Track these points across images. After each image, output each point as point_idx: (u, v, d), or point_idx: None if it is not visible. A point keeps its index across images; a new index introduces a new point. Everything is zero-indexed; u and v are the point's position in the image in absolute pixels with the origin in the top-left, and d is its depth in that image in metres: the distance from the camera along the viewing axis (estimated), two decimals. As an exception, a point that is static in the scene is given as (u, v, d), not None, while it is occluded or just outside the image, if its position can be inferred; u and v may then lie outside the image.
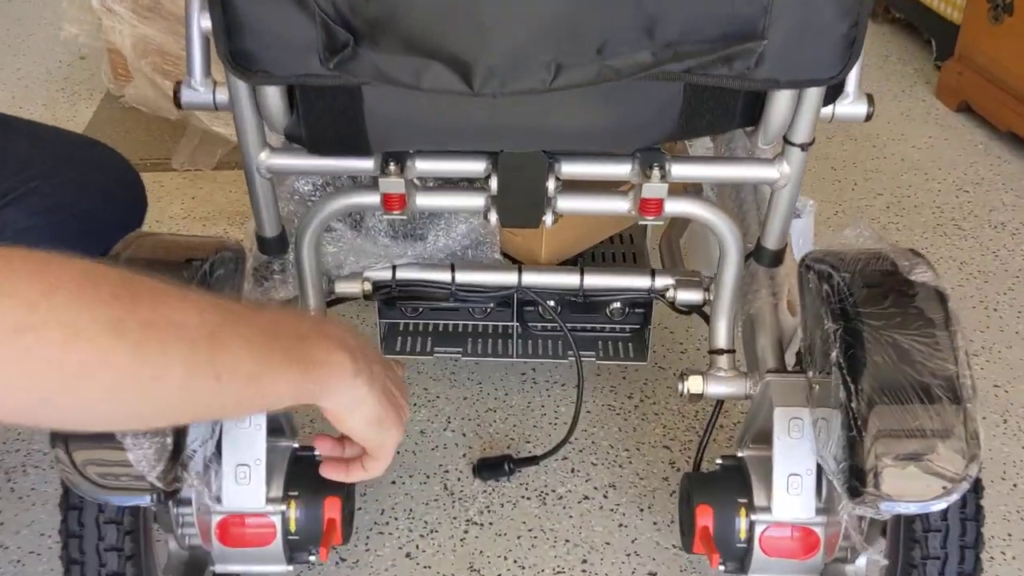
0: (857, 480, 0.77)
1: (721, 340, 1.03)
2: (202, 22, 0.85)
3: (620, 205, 0.95)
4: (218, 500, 0.90)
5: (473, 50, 0.71)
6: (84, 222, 0.99)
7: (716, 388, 1.01)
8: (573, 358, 1.18)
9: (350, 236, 1.09)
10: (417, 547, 1.18)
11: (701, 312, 1.10)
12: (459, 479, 1.28)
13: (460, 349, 1.26)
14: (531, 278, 1.11)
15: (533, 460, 1.28)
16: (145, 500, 0.79)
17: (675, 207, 0.93)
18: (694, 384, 1.01)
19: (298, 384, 0.67)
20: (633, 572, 1.16)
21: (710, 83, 0.77)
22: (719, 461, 0.98)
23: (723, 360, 1.02)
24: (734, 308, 1.02)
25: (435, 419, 1.37)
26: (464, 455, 1.31)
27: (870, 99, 0.90)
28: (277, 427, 0.95)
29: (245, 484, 0.90)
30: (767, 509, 0.91)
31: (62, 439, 0.77)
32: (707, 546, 0.91)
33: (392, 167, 0.89)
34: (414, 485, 1.26)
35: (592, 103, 0.82)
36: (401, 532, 1.20)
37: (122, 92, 2.13)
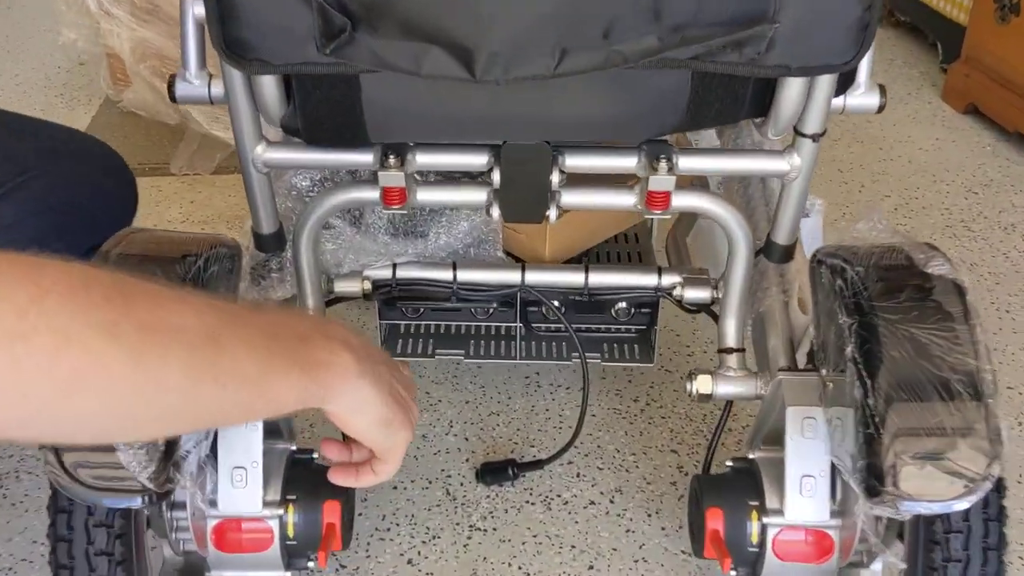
0: (875, 479, 0.74)
1: (730, 339, 1.00)
2: (196, 10, 0.83)
3: (626, 199, 0.93)
4: (213, 504, 0.88)
5: (475, 34, 0.69)
6: (73, 216, 0.97)
7: (726, 388, 0.99)
8: (578, 360, 1.15)
9: (349, 233, 1.07)
10: (419, 553, 1.16)
11: (709, 311, 1.08)
12: (462, 484, 1.25)
13: (462, 351, 1.23)
14: (535, 276, 1.09)
15: (537, 464, 1.25)
16: (136, 502, 0.77)
17: (682, 201, 0.92)
18: (703, 384, 0.99)
19: (301, 386, 0.65)
20: (641, 579, 1.13)
21: (719, 70, 0.74)
22: (729, 463, 0.97)
23: (733, 359, 1.00)
24: (744, 306, 1.00)
25: (437, 423, 1.34)
26: (467, 460, 1.28)
27: (882, 90, 0.88)
28: (274, 429, 0.94)
29: (241, 487, 0.88)
30: (780, 512, 0.89)
31: None
32: (718, 550, 0.89)
33: (392, 160, 0.87)
34: (416, 490, 1.24)
35: (597, 91, 0.80)
36: (403, 538, 1.18)
37: (120, 97, 2.12)
